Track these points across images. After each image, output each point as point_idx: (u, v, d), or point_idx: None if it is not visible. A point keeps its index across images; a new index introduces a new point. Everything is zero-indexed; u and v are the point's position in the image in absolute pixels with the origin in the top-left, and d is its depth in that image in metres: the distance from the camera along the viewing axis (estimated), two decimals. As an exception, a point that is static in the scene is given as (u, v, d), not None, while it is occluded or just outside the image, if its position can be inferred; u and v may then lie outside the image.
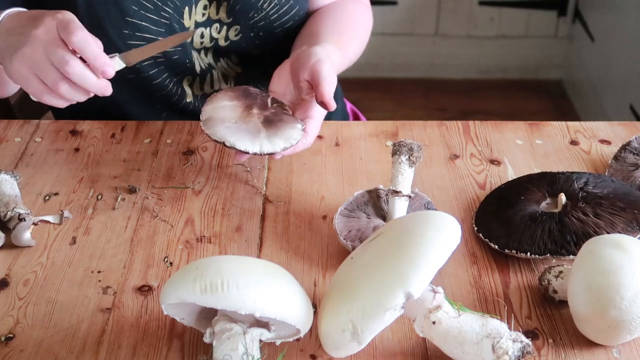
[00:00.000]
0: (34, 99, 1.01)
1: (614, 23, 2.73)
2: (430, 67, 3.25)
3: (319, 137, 1.21)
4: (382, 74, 3.20)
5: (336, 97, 1.47)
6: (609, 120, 1.27)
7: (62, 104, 1.00)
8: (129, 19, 1.15)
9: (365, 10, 1.34)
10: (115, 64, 1.00)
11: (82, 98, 0.99)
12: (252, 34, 1.24)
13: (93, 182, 1.11)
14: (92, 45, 0.95)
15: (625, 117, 2.53)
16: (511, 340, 0.78)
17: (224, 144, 1.00)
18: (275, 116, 1.04)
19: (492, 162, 1.16)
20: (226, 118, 1.03)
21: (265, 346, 0.83)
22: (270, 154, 1.02)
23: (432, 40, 3.21)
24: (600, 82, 2.83)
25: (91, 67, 0.96)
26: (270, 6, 1.21)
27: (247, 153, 1.00)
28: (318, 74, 1.03)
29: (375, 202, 1.02)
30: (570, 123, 1.25)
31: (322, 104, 1.02)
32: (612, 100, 2.72)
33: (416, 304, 0.79)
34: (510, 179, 1.11)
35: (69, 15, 0.96)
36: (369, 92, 3.10)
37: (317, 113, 1.07)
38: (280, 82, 1.09)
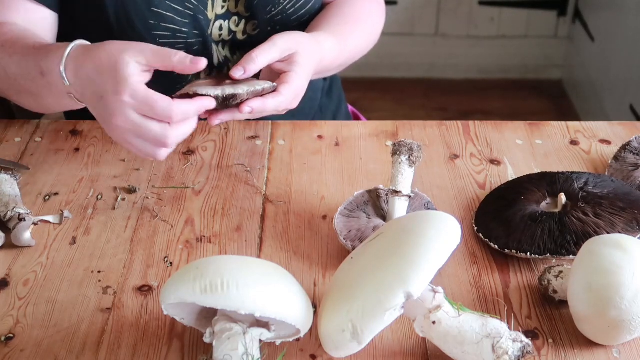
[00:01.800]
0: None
1: (614, 23, 2.73)
2: (430, 67, 3.24)
3: (319, 137, 1.21)
4: (382, 74, 3.20)
5: (339, 99, 1.47)
6: (609, 120, 1.27)
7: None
8: (155, 9, 1.16)
9: (377, 9, 1.34)
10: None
11: (191, 126, 1.01)
12: (269, 29, 1.24)
13: (93, 182, 1.11)
14: (176, 107, 0.96)
15: (625, 117, 2.53)
16: (511, 340, 0.78)
17: (187, 94, 0.99)
18: (246, 80, 1.05)
19: (492, 162, 1.16)
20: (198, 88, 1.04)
21: (265, 346, 0.83)
22: (233, 96, 1.00)
23: (432, 40, 3.21)
24: (600, 82, 2.82)
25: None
26: (287, 0, 1.22)
27: (209, 96, 0.99)
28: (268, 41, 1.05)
29: (375, 202, 1.02)
30: (570, 123, 1.25)
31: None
32: (612, 100, 2.72)
33: (416, 304, 0.79)
34: (510, 179, 1.11)
35: (141, 95, 0.96)
36: (369, 92, 3.09)
37: (293, 79, 1.06)
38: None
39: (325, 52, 1.16)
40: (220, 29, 1.23)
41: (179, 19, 1.18)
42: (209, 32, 1.22)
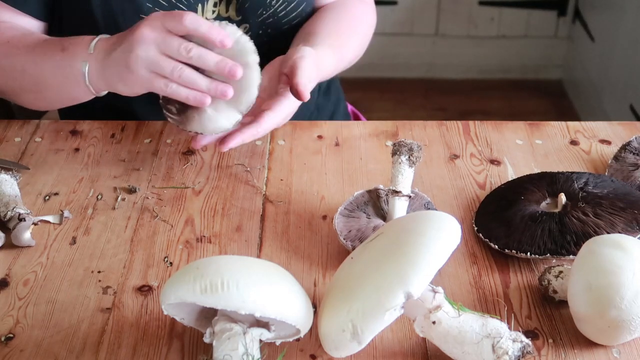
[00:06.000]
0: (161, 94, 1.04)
1: (614, 23, 2.73)
2: (430, 67, 3.25)
3: (319, 137, 1.21)
4: (382, 74, 3.20)
5: (338, 98, 1.47)
6: (609, 120, 1.27)
7: (185, 94, 1.01)
8: (143, 16, 1.15)
9: (368, 10, 1.34)
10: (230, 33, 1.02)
11: (203, 83, 1.01)
12: (260, 32, 1.24)
13: (93, 182, 1.11)
14: (203, 20, 0.98)
15: (625, 117, 2.53)
16: (511, 340, 0.78)
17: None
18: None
19: (492, 162, 1.16)
20: None
21: (265, 346, 0.83)
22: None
23: (432, 40, 3.21)
24: (600, 82, 2.83)
25: (210, 41, 1.00)
26: (279, 3, 1.22)
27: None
28: (296, 66, 1.04)
29: (375, 202, 1.02)
30: (570, 123, 1.25)
31: (296, 93, 1.03)
32: (612, 100, 2.72)
33: (416, 304, 0.79)
34: (510, 179, 1.11)
35: (158, 14, 1.00)
36: (369, 92, 3.10)
37: (280, 107, 1.06)
38: (264, 77, 1.09)
39: (326, 68, 1.16)
40: None
41: None
42: None
